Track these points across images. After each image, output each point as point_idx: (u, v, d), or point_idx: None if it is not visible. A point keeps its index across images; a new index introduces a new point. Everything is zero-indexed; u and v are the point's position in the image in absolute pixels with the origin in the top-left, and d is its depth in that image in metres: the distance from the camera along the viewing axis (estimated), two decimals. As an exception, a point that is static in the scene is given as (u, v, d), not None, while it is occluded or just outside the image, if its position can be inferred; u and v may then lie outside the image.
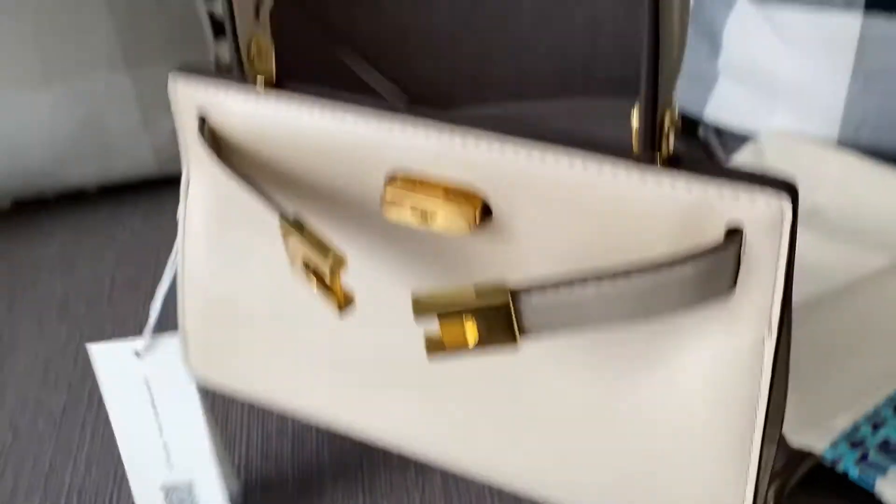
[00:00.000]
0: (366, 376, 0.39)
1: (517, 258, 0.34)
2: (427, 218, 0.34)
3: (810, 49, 0.71)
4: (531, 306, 0.29)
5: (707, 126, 0.80)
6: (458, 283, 0.35)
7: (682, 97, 0.82)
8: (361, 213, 0.37)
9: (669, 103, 0.30)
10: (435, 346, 0.30)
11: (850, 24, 0.68)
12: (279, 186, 0.38)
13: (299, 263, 0.33)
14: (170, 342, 0.43)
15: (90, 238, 0.70)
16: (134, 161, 0.73)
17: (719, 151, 0.77)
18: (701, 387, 0.32)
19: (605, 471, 0.36)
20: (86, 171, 0.72)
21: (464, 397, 0.37)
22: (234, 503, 0.46)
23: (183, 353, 0.43)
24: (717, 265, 0.29)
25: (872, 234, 0.62)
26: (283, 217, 0.33)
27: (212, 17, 0.78)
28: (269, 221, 0.39)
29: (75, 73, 0.69)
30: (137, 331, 0.58)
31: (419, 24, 0.84)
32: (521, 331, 0.29)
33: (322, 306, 0.39)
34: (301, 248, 0.32)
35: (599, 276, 0.29)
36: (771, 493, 0.43)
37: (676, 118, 0.30)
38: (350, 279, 0.38)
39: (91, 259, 0.67)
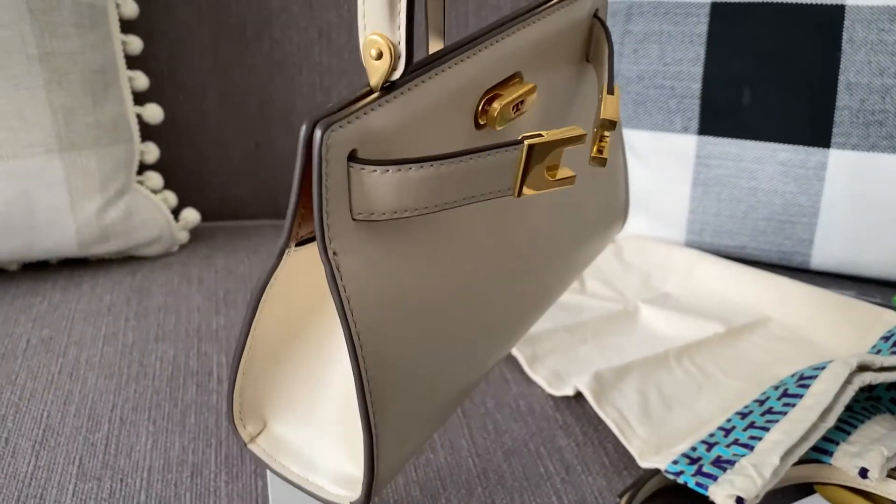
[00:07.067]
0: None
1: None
2: (518, 108, 0.42)
3: (658, 165, 0.80)
4: None
5: (577, 234, 0.89)
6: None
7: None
8: (469, 129, 0.40)
9: None
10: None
11: (688, 143, 0.78)
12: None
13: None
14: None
15: (6, 306, 0.71)
16: (57, 241, 0.74)
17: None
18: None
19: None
20: (10, 247, 0.73)
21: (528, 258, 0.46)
22: None
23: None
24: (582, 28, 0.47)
25: (710, 310, 0.71)
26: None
27: (140, 119, 0.83)
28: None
29: (11, 154, 0.71)
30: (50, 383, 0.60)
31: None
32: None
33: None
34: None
35: None
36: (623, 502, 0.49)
37: None
38: None
39: (6, 323, 0.68)
